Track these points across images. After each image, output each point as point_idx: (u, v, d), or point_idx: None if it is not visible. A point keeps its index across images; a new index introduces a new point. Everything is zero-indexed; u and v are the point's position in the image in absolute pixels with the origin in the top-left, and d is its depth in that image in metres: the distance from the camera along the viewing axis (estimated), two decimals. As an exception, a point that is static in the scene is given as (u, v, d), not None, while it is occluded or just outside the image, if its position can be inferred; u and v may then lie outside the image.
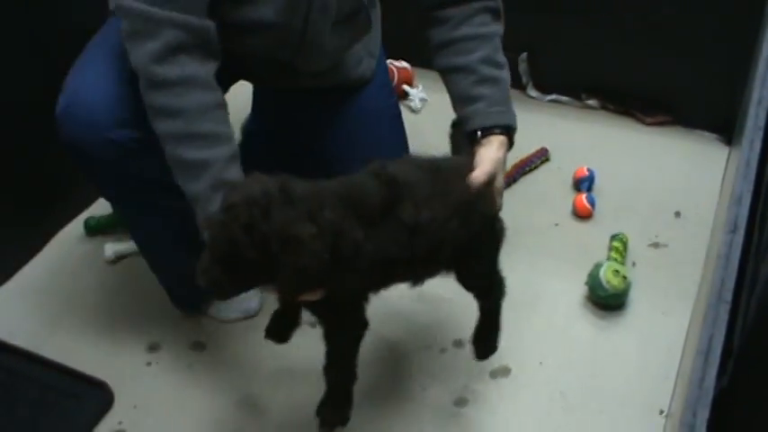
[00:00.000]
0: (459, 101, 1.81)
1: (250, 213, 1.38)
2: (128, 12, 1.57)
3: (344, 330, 1.68)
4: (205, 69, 1.61)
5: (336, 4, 1.75)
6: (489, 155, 1.71)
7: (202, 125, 1.58)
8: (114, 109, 1.66)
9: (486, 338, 1.87)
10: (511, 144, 1.78)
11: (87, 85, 1.69)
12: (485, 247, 1.74)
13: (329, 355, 1.68)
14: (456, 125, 1.81)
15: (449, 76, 1.83)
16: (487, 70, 1.79)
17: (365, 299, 1.66)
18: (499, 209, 1.75)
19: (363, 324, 1.68)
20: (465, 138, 1.77)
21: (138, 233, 1.95)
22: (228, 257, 1.40)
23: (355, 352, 1.70)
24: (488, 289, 1.82)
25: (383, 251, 1.52)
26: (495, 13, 1.83)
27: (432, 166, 1.63)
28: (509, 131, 1.77)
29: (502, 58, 1.82)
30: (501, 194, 1.75)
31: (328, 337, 1.67)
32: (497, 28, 1.83)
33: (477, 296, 1.82)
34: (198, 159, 1.58)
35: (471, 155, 1.71)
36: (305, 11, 1.71)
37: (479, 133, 1.75)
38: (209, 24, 1.60)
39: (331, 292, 1.53)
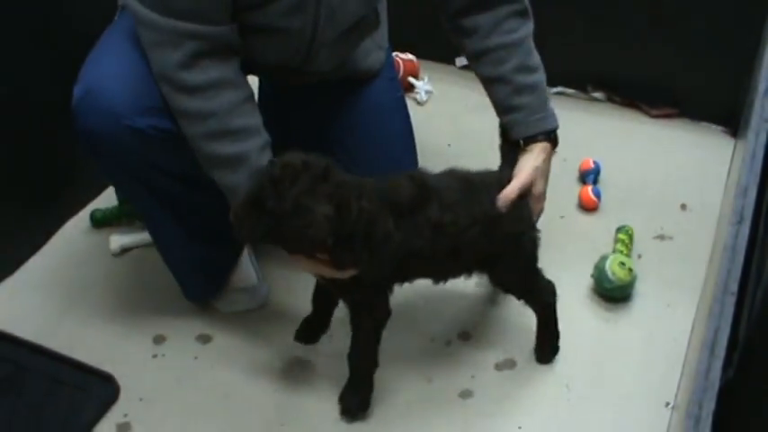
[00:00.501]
0: (499, 110, 1.87)
1: (283, 171, 1.54)
2: (149, 24, 1.61)
3: (370, 315, 1.79)
4: (230, 67, 1.67)
5: (345, 13, 1.76)
6: (528, 164, 1.80)
7: (234, 121, 1.65)
8: (134, 97, 1.67)
9: (542, 342, 1.97)
10: (555, 143, 1.86)
11: (106, 74, 1.70)
12: (512, 260, 1.82)
13: (354, 340, 1.81)
14: (503, 133, 1.89)
15: (488, 85, 1.88)
16: (522, 78, 1.83)
17: (390, 288, 1.80)
18: (541, 212, 1.85)
19: (387, 312, 1.79)
20: (509, 146, 1.86)
21: (150, 222, 1.95)
22: (255, 202, 1.56)
23: (378, 338, 1.80)
24: (527, 294, 1.91)
25: (408, 242, 1.67)
26: (523, 14, 1.85)
27: (464, 178, 1.77)
28: (551, 134, 1.84)
29: (535, 59, 1.86)
30: (543, 198, 1.84)
31: (355, 321, 1.79)
32: (527, 29, 1.85)
33: (520, 300, 1.92)
34: (233, 153, 1.66)
35: (513, 163, 1.81)
36: (313, 18, 1.72)
37: (522, 141, 1.83)
38: (230, 29, 1.64)
39: (362, 274, 1.68)
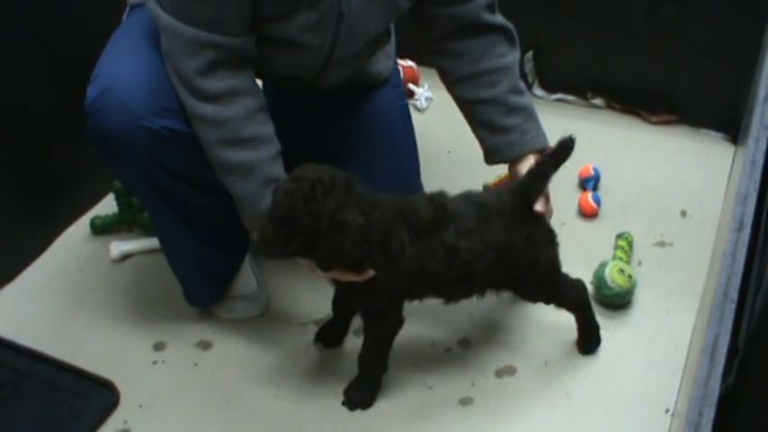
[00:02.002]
0: (487, 129, 1.90)
1: (313, 188, 1.58)
2: (169, 31, 1.63)
3: (383, 324, 1.83)
4: (246, 77, 1.70)
5: (364, 31, 1.78)
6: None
7: (248, 130, 1.68)
8: (149, 98, 1.69)
9: (584, 337, 1.99)
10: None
11: (121, 73, 1.71)
12: (532, 281, 1.85)
13: (366, 345, 1.85)
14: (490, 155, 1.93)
15: (474, 106, 1.91)
16: (515, 100, 1.88)
17: (402, 302, 1.83)
18: (551, 214, 1.88)
19: (400, 321, 1.83)
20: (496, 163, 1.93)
21: (158, 223, 1.95)
22: (284, 220, 1.59)
23: (390, 345, 1.85)
24: (556, 301, 1.93)
25: (422, 261, 1.71)
26: (511, 41, 1.91)
27: (479, 204, 1.78)
28: (542, 152, 1.87)
29: (521, 83, 1.92)
30: (549, 200, 1.86)
31: (368, 328, 1.84)
32: (515, 55, 1.92)
33: (550, 305, 1.94)
34: (246, 161, 1.68)
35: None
36: (333, 35, 1.73)
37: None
38: (249, 39, 1.67)
39: (377, 286, 1.71)
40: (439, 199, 1.76)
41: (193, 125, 1.69)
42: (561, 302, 1.93)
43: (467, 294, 1.85)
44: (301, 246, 1.62)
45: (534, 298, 1.93)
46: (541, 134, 1.90)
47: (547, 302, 1.92)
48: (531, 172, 1.79)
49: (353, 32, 1.75)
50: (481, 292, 1.85)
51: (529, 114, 1.90)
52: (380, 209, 1.67)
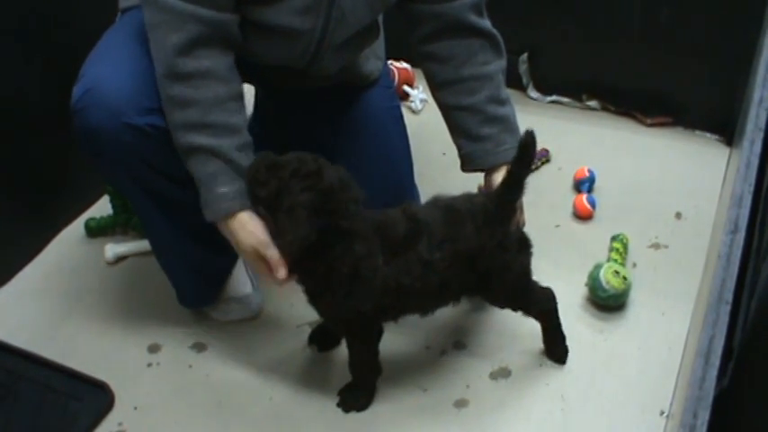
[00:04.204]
0: (463, 136, 1.91)
1: (287, 167, 1.61)
2: (154, 3, 1.61)
3: (361, 338, 1.83)
4: (224, 61, 1.67)
5: (355, 17, 1.77)
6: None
7: (215, 116, 1.65)
8: (134, 96, 1.68)
9: (551, 346, 1.98)
10: None
11: (107, 73, 1.70)
12: (502, 285, 1.83)
13: (351, 355, 1.85)
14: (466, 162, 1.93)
15: (453, 112, 1.91)
16: (493, 109, 1.88)
17: (377, 323, 1.85)
18: (523, 224, 1.87)
19: (379, 331, 1.86)
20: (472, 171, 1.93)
21: (147, 224, 1.95)
22: (249, 188, 1.65)
23: (374, 352, 1.86)
24: (524, 308, 1.92)
25: (398, 277, 1.69)
26: (496, 49, 1.91)
27: (450, 209, 1.76)
28: None
29: (505, 93, 1.91)
30: (522, 211, 1.86)
31: (348, 345, 1.85)
32: (500, 64, 1.91)
33: (517, 312, 1.93)
34: (207, 146, 1.65)
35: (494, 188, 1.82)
36: (324, 19, 1.72)
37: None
38: (233, 18, 1.65)
39: (348, 309, 1.71)
40: (410, 210, 1.75)
41: (164, 109, 1.67)
42: (529, 309, 1.92)
43: (443, 303, 1.84)
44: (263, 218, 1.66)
45: (504, 303, 1.92)
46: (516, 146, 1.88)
47: (514, 309, 1.92)
48: (504, 183, 1.76)
49: (344, 17, 1.74)
50: (457, 299, 1.84)
51: (507, 126, 1.89)
52: (360, 238, 1.66)
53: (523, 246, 1.83)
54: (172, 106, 1.65)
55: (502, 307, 1.94)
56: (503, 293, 1.86)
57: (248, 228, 1.68)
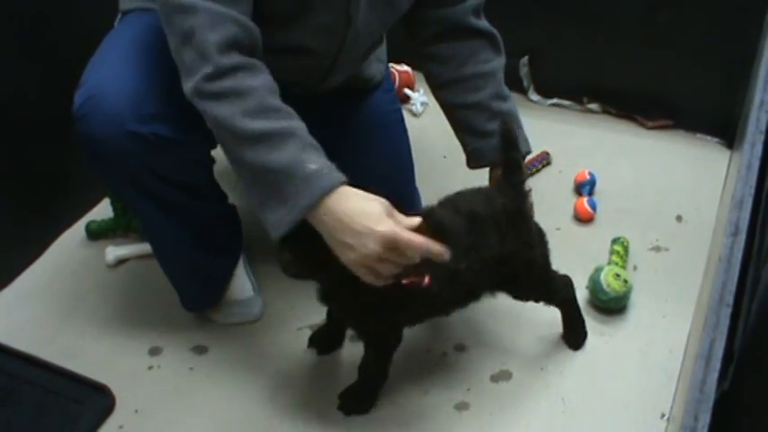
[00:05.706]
0: (470, 133, 1.91)
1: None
2: (192, 8, 1.51)
3: (380, 343, 1.82)
4: (261, 64, 1.59)
5: (368, 35, 1.79)
6: None
7: (275, 100, 1.55)
8: (137, 103, 1.66)
9: (570, 332, 2.02)
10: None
11: (109, 79, 1.69)
12: (527, 280, 1.84)
13: (365, 357, 1.84)
14: (473, 159, 1.93)
15: (459, 110, 1.92)
16: (497, 105, 1.89)
17: (402, 328, 1.83)
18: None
19: (398, 339, 1.83)
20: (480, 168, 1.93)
21: (149, 229, 1.94)
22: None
23: (389, 358, 1.85)
24: (546, 298, 1.93)
25: (426, 288, 1.64)
26: (495, 47, 1.92)
27: (473, 216, 1.71)
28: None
29: (506, 90, 1.92)
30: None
31: (366, 349, 1.83)
32: (500, 61, 1.93)
33: (539, 302, 1.94)
34: (280, 128, 1.53)
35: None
36: (340, 40, 1.73)
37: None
38: (259, 30, 1.58)
39: (376, 318, 1.72)
40: (434, 218, 1.65)
41: (206, 110, 1.54)
42: (552, 299, 1.94)
43: (466, 305, 1.83)
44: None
45: (527, 297, 1.91)
46: (524, 140, 1.90)
47: (537, 300, 1.92)
48: (504, 171, 1.76)
49: (359, 36, 1.75)
50: (478, 299, 1.84)
51: (512, 120, 1.89)
52: None
53: (541, 236, 1.85)
54: (218, 103, 1.52)
55: (526, 300, 1.93)
56: (528, 288, 1.87)
57: (361, 194, 1.55)
